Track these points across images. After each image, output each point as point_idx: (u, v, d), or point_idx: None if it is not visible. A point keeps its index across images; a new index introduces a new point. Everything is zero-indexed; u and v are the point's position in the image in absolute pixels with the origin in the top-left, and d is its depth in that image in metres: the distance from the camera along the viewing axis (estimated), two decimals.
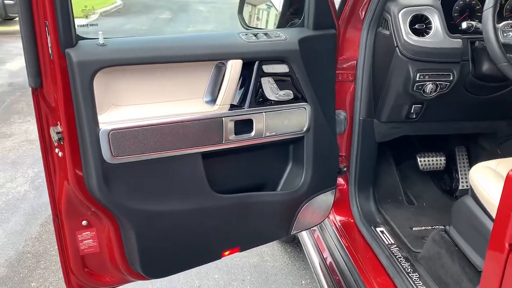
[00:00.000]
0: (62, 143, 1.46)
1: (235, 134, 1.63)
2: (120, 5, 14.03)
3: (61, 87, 1.38)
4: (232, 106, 1.62)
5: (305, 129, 1.78)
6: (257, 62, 1.63)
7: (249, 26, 2.29)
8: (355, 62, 2.05)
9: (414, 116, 2.09)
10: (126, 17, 12.71)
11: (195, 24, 11.65)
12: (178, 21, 12.15)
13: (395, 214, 2.23)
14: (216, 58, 1.57)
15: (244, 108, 1.63)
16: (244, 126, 1.66)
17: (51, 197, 1.62)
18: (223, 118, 1.59)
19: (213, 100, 1.61)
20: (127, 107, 1.48)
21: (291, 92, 1.71)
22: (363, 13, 2.05)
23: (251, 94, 1.64)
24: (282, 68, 1.69)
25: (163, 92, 1.54)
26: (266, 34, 1.71)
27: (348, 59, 2.08)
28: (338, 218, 2.22)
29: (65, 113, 1.41)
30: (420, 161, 2.43)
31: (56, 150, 1.51)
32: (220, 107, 1.58)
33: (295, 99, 1.73)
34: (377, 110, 2.12)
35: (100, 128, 1.41)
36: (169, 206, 1.59)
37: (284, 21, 2.11)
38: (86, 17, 11.91)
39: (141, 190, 1.53)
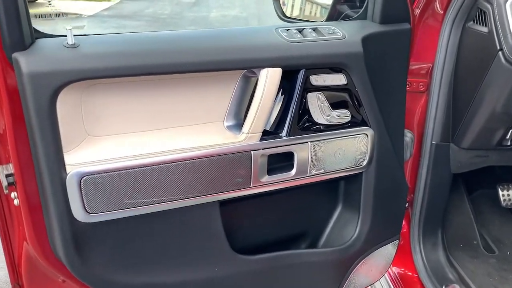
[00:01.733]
0: (15, 187, 0.99)
1: (269, 173, 1.14)
2: None
3: (9, 110, 0.91)
4: (265, 134, 1.12)
5: (365, 162, 1.27)
6: (302, 71, 1.12)
7: (287, 17, 1.76)
8: (430, 67, 1.52)
9: (509, 143, 1.54)
10: (149, 0, 12.24)
11: (220, 8, 11.09)
12: (201, 5, 11.59)
13: (471, 268, 1.70)
14: (243, 66, 1.07)
15: (282, 137, 1.13)
16: (281, 161, 1.17)
17: (9, 259, 1.16)
18: (252, 152, 1.10)
19: (238, 126, 1.12)
20: (110, 138, 1.00)
21: (349, 112, 1.20)
22: (445, 1, 1.49)
23: (293, 117, 1.14)
24: (338, 80, 1.18)
25: (163, 115, 1.05)
26: (315, 29, 1.19)
27: (420, 62, 1.53)
28: (397, 271, 1.71)
29: (17, 149, 0.93)
30: (503, 194, 1.89)
31: (12, 195, 1.04)
32: (248, 136, 1.09)
33: (354, 123, 1.22)
34: (457, 132, 1.59)
35: (67, 172, 0.94)
36: (171, 277, 1.11)
37: (335, 11, 1.59)
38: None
39: (130, 258, 1.05)
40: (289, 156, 1.18)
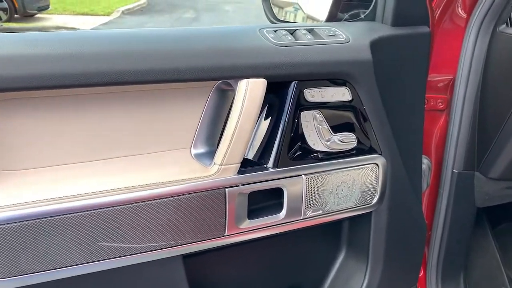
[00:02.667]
0: None
1: (250, 217, 0.86)
2: (143, 4, 13.45)
3: None
4: (245, 165, 0.86)
5: (375, 200, 1.00)
6: (294, 84, 0.86)
7: (280, 21, 1.50)
8: (451, 80, 1.25)
9: None
10: (149, 15, 12.11)
11: (219, 24, 10.96)
12: (201, 20, 11.45)
13: None
14: (216, 75, 0.81)
15: (267, 169, 0.87)
16: (266, 200, 0.90)
17: None
18: (227, 189, 0.82)
19: (210, 154, 0.85)
20: (29, 173, 0.73)
21: (354, 137, 0.94)
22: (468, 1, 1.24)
23: (281, 142, 0.87)
24: (340, 94, 0.92)
25: (106, 142, 0.78)
26: (311, 31, 0.93)
27: (438, 74, 1.27)
28: None
29: None
30: None
31: None
32: (222, 168, 0.82)
33: (361, 149, 0.97)
34: (484, 159, 1.31)
35: None
36: None
37: (336, 11, 1.33)
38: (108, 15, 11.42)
39: None
40: (277, 194, 0.91)
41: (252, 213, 0.89)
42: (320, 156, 0.93)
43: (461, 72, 1.26)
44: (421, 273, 1.48)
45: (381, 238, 1.08)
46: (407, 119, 1.07)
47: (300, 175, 0.91)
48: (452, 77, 1.29)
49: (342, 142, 0.94)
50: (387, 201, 1.04)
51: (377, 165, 1.00)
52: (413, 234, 1.15)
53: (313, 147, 0.92)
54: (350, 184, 0.97)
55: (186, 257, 0.86)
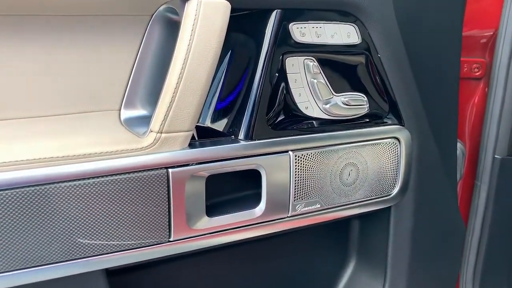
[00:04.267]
0: None
1: (210, 214, 0.57)
2: None
3: None
4: (202, 136, 0.56)
5: (395, 191, 0.71)
6: (275, 13, 0.57)
7: None
8: (491, 37, 0.94)
9: None
10: None
11: None
12: None
13: None
14: None
15: (238, 141, 0.57)
16: (235, 188, 0.60)
17: None
18: (170, 169, 0.53)
19: (145, 120, 0.56)
20: None
21: (364, 98, 0.64)
22: None
23: (256, 103, 0.57)
24: (345, 35, 0.63)
25: None
26: None
27: (473, 30, 0.97)
28: None
29: None
30: None
31: None
32: (162, 137, 0.52)
33: (375, 118, 0.65)
34: None
35: None
36: None
37: None
38: None
39: None
40: (253, 180, 0.62)
41: (214, 208, 0.60)
42: (315, 126, 0.65)
43: (505, 26, 0.96)
44: None
45: (403, 245, 0.79)
46: (438, 82, 0.78)
47: (286, 152, 0.62)
48: (492, 32, 0.99)
49: (347, 105, 0.66)
50: (412, 193, 0.75)
51: (398, 140, 0.71)
52: (447, 239, 0.85)
53: (305, 111, 0.63)
54: (360, 167, 0.68)
55: (112, 273, 0.58)
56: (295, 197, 0.63)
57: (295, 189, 0.63)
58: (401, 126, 0.72)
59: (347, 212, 0.70)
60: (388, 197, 0.73)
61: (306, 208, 0.65)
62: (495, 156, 1.06)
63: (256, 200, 0.62)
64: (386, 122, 0.70)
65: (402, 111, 0.71)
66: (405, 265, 0.80)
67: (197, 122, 0.62)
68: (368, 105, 0.68)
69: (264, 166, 0.60)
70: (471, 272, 1.17)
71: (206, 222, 0.58)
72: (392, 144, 0.71)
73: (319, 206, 0.66)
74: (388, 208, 0.75)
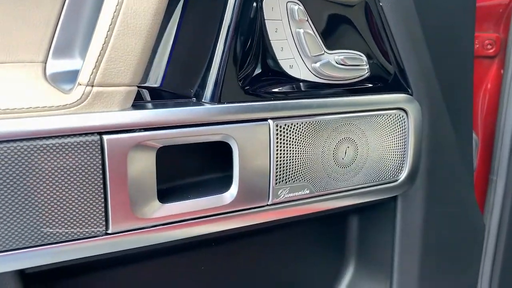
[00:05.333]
0: None
1: (163, 199, 0.42)
2: None
3: None
4: (153, 95, 0.42)
5: (403, 176, 0.56)
6: None
7: None
8: (506, 7, 0.82)
9: None
10: None
11: None
12: None
13: None
14: None
15: (200, 104, 0.43)
16: (197, 166, 0.45)
17: None
18: (105, 136, 0.39)
19: (75, 74, 0.42)
20: None
21: (363, 58, 0.50)
22: None
23: (226, 56, 0.43)
24: None
25: None
26: None
27: (484, 1, 0.85)
28: None
29: None
30: None
31: None
32: (93, 91, 0.38)
33: (377, 82, 0.51)
34: None
35: None
36: None
37: None
38: None
39: None
40: (221, 155, 0.48)
41: (169, 192, 0.46)
42: (302, 89, 0.51)
43: None
44: None
45: (412, 243, 0.64)
46: (451, 54, 0.65)
47: (265, 120, 0.48)
48: (508, 2, 0.87)
49: (342, 65, 0.52)
50: (423, 180, 0.61)
51: (405, 112, 0.58)
52: (464, 237, 0.71)
53: (288, 71, 0.50)
54: (359, 144, 0.54)
55: (29, 277, 0.43)
56: (276, 180, 0.49)
57: (276, 168, 0.49)
58: (409, 96, 0.58)
59: (344, 201, 0.56)
60: (393, 183, 0.59)
61: (291, 194, 0.51)
62: None
63: (227, 183, 0.48)
64: (391, 90, 0.57)
65: (409, 76, 0.58)
66: (414, 269, 0.66)
67: (149, 82, 0.49)
68: (367, 66, 0.54)
69: (235, 138, 0.47)
70: (487, 277, 1.03)
71: (157, 210, 0.44)
72: (398, 117, 0.57)
73: (308, 192, 0.52)
74: (394, 198, 0.62)
